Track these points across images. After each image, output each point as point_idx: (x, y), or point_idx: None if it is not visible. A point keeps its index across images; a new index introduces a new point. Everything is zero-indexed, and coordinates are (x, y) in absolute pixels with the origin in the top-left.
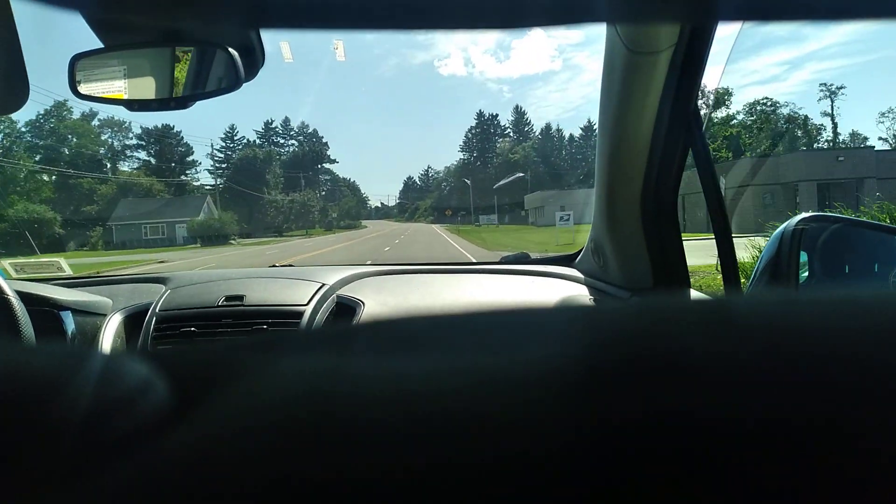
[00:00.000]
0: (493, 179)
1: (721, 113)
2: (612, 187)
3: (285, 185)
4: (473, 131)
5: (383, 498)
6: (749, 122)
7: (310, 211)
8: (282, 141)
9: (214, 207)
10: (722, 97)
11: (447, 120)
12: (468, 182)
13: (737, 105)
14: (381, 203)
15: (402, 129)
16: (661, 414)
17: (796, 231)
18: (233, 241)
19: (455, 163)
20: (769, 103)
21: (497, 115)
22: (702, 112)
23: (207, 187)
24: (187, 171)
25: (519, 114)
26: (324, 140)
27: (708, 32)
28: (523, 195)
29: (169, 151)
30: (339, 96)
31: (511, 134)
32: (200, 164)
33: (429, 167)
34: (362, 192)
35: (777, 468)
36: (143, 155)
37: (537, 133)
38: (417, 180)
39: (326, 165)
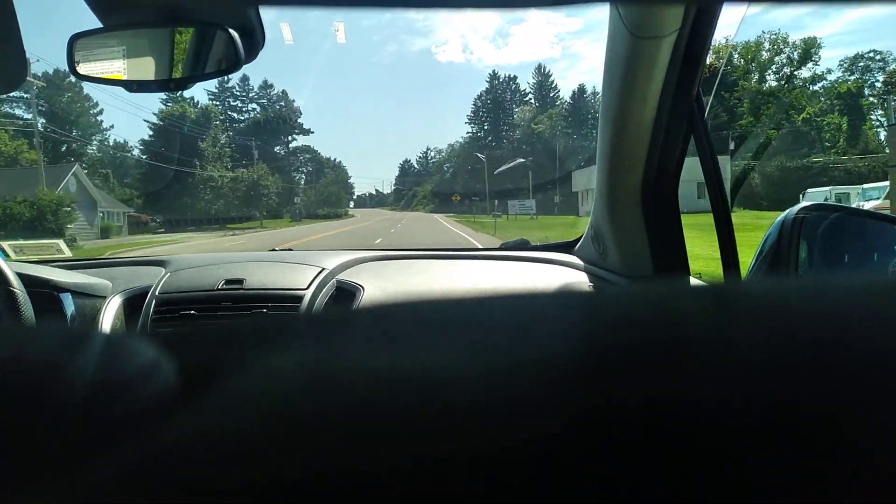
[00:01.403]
0: (511, 156)
1: (804, 73)
2: (614, 174)
3: (240, 159)
4: (484, 98)
5: (385, 485)
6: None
7: (263, 194)
8: (240, 105)
9: (88, 183)
10: (808, 49)
11: (445, 103)
12: (482, 157)
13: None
14: (376, 190)
15: (400, 111)
16: (661, 399)
17: (796, 220)
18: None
19: (461, 139)
20: (878, 57)
21: (515, 78)
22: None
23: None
24: (92, 136)
25: (542, 75)
26: (295, 104)
27: (711, 16)
28: (523, 182)
29: (63, 109)
30: (336, 81)
31: (532, 101)
32: (112, 127)
33: (428, 148)
34: (349, 176)
35: (777, 454)
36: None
37: (566, 98)
38: (415, 164)
39: (301, 139)
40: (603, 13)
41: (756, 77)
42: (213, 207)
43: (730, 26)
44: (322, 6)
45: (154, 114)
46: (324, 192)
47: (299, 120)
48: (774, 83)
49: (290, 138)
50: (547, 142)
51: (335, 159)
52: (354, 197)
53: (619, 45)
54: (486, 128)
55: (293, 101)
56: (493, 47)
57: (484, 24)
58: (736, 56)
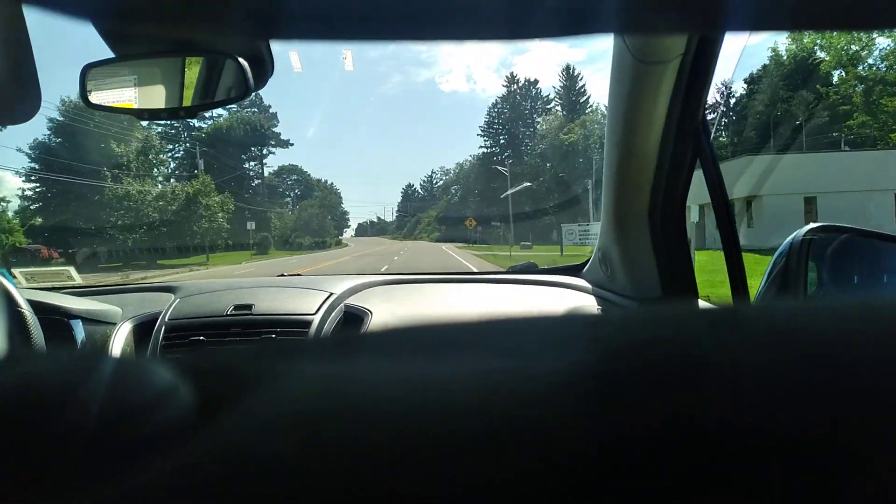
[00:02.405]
0: (534, 172)
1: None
2: (621, 196)
3: (190, 177)
4: (500, 107)
5: None
6: None
7: (202, 216)
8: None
9: None
10: None
11: (451, 126)
12: (504, 171)
13: None
14: (378, 217)
15: (405, 135)
16: (672, 422)
17: (805, 241)
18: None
19: (471, 157)
20: None
21: (537, 81)
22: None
23: None
24: None
25: (570, 77)
26: (270, 109)
27: (716, 42)
28: (528, 206)
29: None
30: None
31: (559, 109)
32: None
33: (433, 171)
34: (341, 200)
35: (788, 475)
36: None
37: (599, 104)
38: (419, 188)
39: (286, 157)
40: (607, 42)
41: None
42: (131, 237)
43: (733, 55)
44: (330, 39)
45: (56, 106)
46: (302, 218)
47: (276, 129)
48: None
49: (264, 151)
50: (580, 153)
51: (326, 181)
52: (350, 224)
53: (625, 69)
54: (502, 141)
55: (269, 106)
56: (496, 77)
57: (487, 54)
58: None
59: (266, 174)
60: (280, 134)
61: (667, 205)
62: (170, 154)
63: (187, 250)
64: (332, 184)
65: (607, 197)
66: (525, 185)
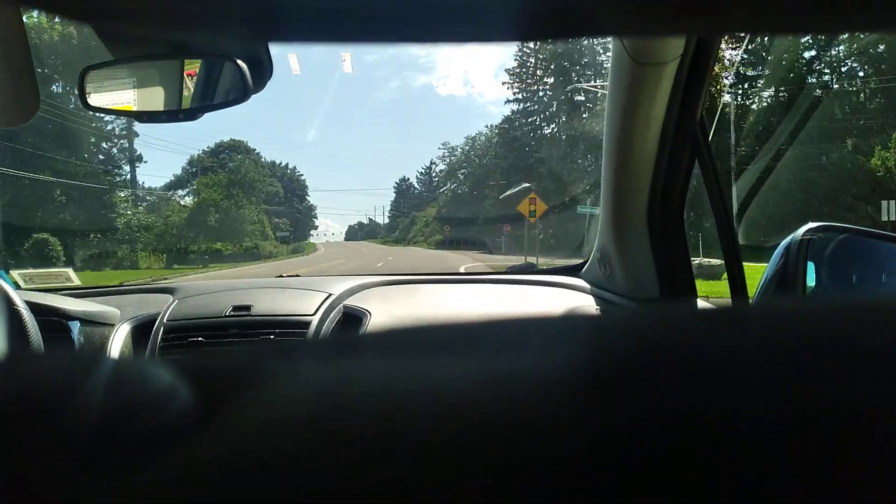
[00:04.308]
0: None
1: None
2: (619, 197)
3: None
4: (520, 68)
5: None
6: None
7: None
8: None
9: None
10: None
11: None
12: (598, 90)
13: None
14: (370, 218)
15: (399, 138)
16: (670, 420)
17: (803, 241)
18: None
19: (486, 129)
20: None
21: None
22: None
23: None
24: None
25: None
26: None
27: (714, 44)
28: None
29: None
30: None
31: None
32: None
33: (432, 162)
34: (306, 188)
35: (788, 473)
36: None
37: None
38: (416, 183)
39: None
40: (605, 41)
41: None
42: None
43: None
44: (330, 42)
45: None
46: (202, 209)
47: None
48: None
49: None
50: None
51: (286, 164)
52: (316, 225)
53: (623, 70)
54: (533, 106)
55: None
56: (493, 80)
57: (485, 58)
58: None
59: (198, 153)
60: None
61: (665, 205)
62: None
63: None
64: (294, 168)
65: (606, 197)
66: (524, 185)
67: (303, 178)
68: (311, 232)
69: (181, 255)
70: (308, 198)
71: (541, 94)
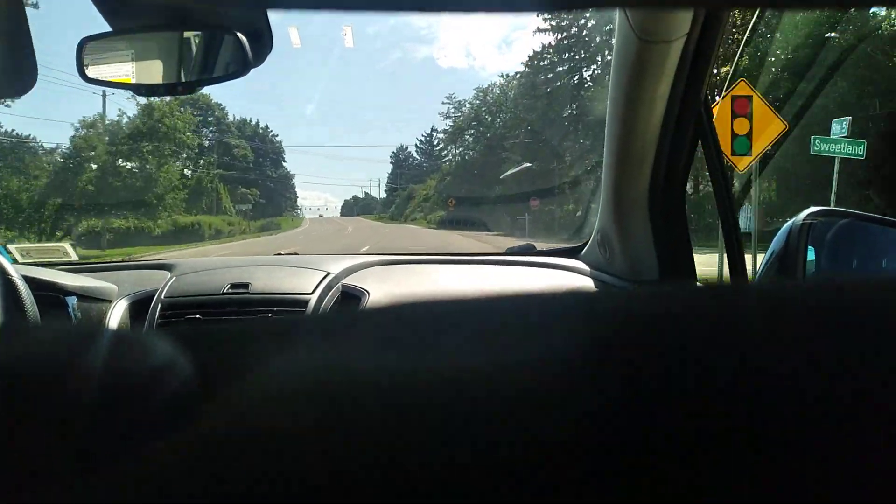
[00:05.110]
0: None
1: None
2: (621, 178)
3: None
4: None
5: (399, 484)
6: None
7: None
8: None
9: None
10: None
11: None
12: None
13: None
14: (365, 192)
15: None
16: (668, 400)
17: (804, 225)
18: None
19: (501, 76)
20: None
21: None
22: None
23: None
24: None
25: None
26: None
27: (720, 21)
28: (528, 187)
29: None
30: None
31: None
32: None
33: (434, 129)
34: (282, 153)
35: (787, 454)
36: None
37: None
38: (415, 153)
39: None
40: (611, 17)
41: None
42: None
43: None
44: (330, 8)
45: None
46: (90, 173)
47: None
48: None
49: None
50: None
51: (257, 122)
52: (301, 205)
53: (627, 48)
54: (574, 31)
55: None
56: (496, 52)
57: (487, 31)
58: None
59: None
60: None
61: (667, 186)
62: None
63: None
64: (266, 127)
65: (607, 178)
66: (525, 164)
67: (278, 139)
68: (301, 205)
69: (57, 236)
70: (284, 164)
71: (582, 22)
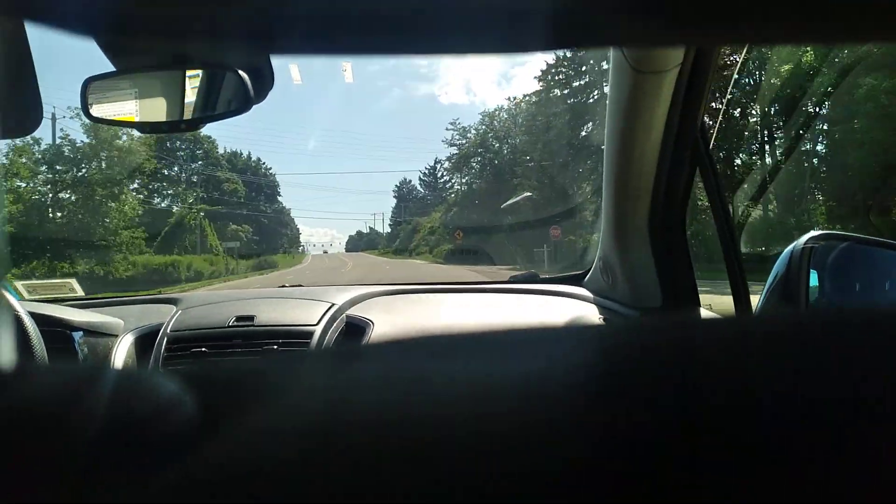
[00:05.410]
0: None
1: None
2: (621, 206)
3: None
4: None
5: None
6: None
7: None
8: None
9: None
10: None
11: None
12: None
13: None
14: (370, 227)
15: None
16: (671, 430)
17: (805, 250)
18: None
19: (508, 104)
20: None
21: None
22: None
23: None
24: None
25: None
26: None
27: (713, 52)
28: (529, 216)
29: None
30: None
31: None
32: None
33: (437, 161)
34: (277, 187)
35: (789, 483)
36: None
37: None
38: (419, 186)
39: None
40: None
41: None
42: None
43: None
44: (330, 54)
45: None
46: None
47: None
48: None
49: None
50: None
51: (249, 155)
52: (304, 241)
53: (623, 79)
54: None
55: None
56: (496, 87)
57: (487, 68)
58: None
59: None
60: None
61: (667, 214)
62: None
63: None
64: (259, 159)
65: (607, 206)
66: (525, 194)
67: (272, 172)
68: (307, 241)
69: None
70: (280, 198)
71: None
